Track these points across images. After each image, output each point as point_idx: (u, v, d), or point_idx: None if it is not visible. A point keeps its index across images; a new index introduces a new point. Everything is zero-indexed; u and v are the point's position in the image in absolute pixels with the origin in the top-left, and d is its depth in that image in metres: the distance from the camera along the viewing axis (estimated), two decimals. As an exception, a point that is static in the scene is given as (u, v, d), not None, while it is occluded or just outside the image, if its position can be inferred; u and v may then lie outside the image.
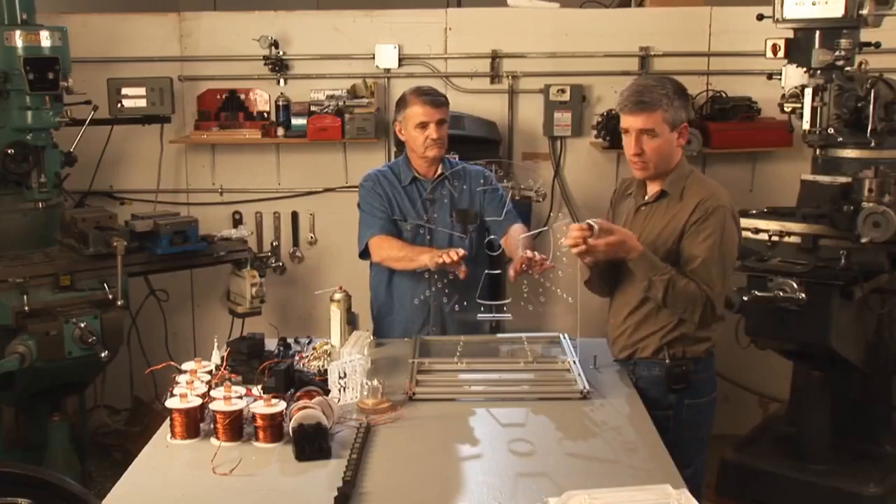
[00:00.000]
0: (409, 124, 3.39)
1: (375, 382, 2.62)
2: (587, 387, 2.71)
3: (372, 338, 3.10)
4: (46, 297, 3.53)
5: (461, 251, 3.12)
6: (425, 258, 3.21)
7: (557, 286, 3.07)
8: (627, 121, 2.81)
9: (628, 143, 2.83)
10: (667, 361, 2.82)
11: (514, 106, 4.79)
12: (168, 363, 2.79)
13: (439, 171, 3.44)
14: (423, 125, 3.35)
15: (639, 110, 2.78)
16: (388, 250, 3.37)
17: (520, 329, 3.29)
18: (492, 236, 3.39)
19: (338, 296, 3.11)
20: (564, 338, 3.15)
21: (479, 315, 3.04)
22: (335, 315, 3.09)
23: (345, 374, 2.65)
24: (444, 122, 3.39)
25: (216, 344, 2.91)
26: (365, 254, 3.46)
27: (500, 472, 2.25)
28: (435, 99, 3.37)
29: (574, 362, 2.91)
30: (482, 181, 3.47)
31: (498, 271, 3.04)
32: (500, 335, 3.45)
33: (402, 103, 3.43)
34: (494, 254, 3.33)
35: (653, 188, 2.91)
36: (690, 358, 2.85)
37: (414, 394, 2.69)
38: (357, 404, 2.60)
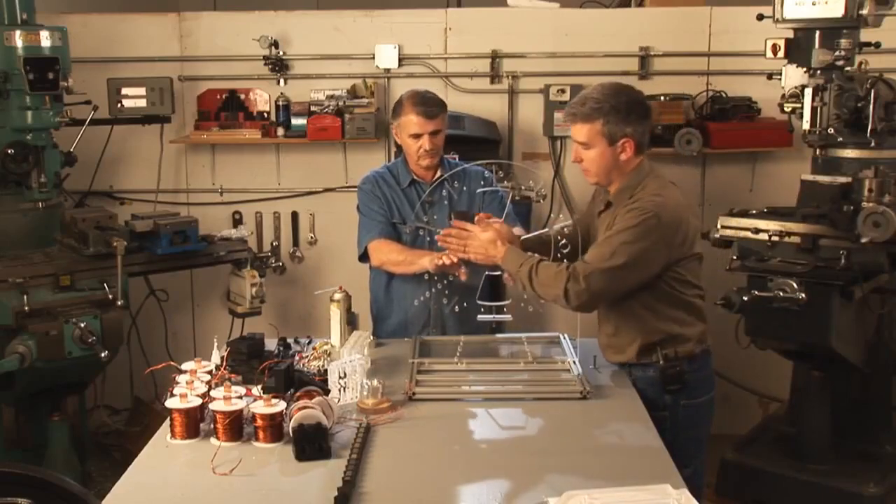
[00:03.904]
0: (403, 132, 3.37)
1: (375, 382, 2.62)
2: (587, 387, 2.71)
3: (372, 338, 3.11)
4: (46, 297, 3.53)
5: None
6: (425, 261, 3.21)
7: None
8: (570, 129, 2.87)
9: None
10: (660, 362, 2.82)
11: (514, 106, 4.79)
12: (168, 363, 2.79)
13: (438, 174, 3.43)
14: (417, 136, 3.34)
15: (570, 121, 2.81)
16: (387, 254, 3.37)
17: (520, 330, 3.29)
18: None
19: (338, 296, 3.11)
20: (564, 338, 3.15)
21: (479, 316, 3.04)
22: (335, 315, 3.09)
23: (345, 374, 2.66)
24: (439, 132, 3.36)
25: (216, 344, 2.91)
26: (364, 257, 3.45)
27: (500, 472, 2.25)
28: (429, 110, 3.32)
29: (574, 362, 2.91)
30: (482, 182, 3.47)
31: (498, 272, 3.04)
32: (499, 335, 3.45)
33: (398, 109, 3.39)
34: None
35: (610, 196, 2.92)
36: (684, 357, 2.85)
37: (414, 394, 2.69)
38: (357, 404, 2.60)
